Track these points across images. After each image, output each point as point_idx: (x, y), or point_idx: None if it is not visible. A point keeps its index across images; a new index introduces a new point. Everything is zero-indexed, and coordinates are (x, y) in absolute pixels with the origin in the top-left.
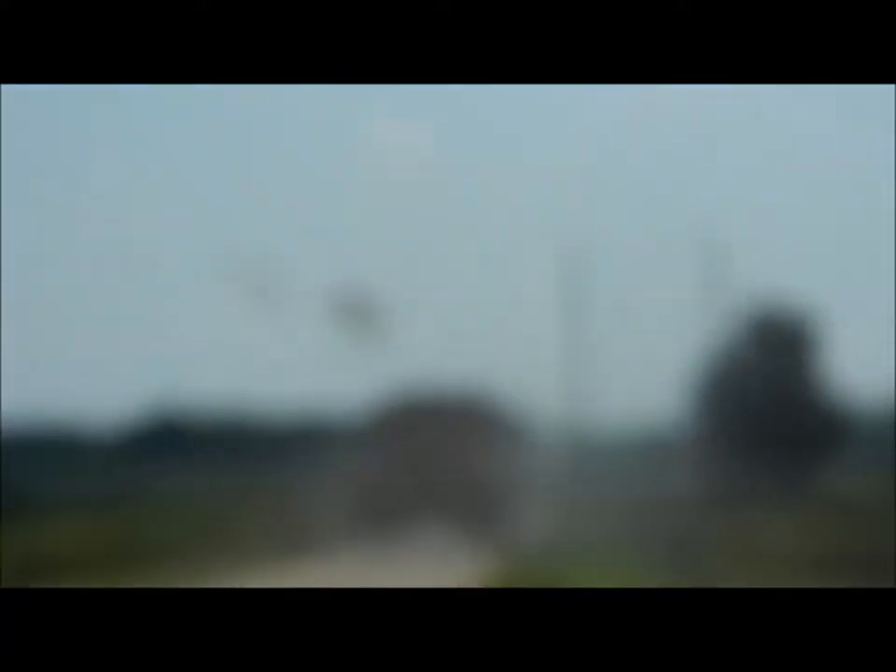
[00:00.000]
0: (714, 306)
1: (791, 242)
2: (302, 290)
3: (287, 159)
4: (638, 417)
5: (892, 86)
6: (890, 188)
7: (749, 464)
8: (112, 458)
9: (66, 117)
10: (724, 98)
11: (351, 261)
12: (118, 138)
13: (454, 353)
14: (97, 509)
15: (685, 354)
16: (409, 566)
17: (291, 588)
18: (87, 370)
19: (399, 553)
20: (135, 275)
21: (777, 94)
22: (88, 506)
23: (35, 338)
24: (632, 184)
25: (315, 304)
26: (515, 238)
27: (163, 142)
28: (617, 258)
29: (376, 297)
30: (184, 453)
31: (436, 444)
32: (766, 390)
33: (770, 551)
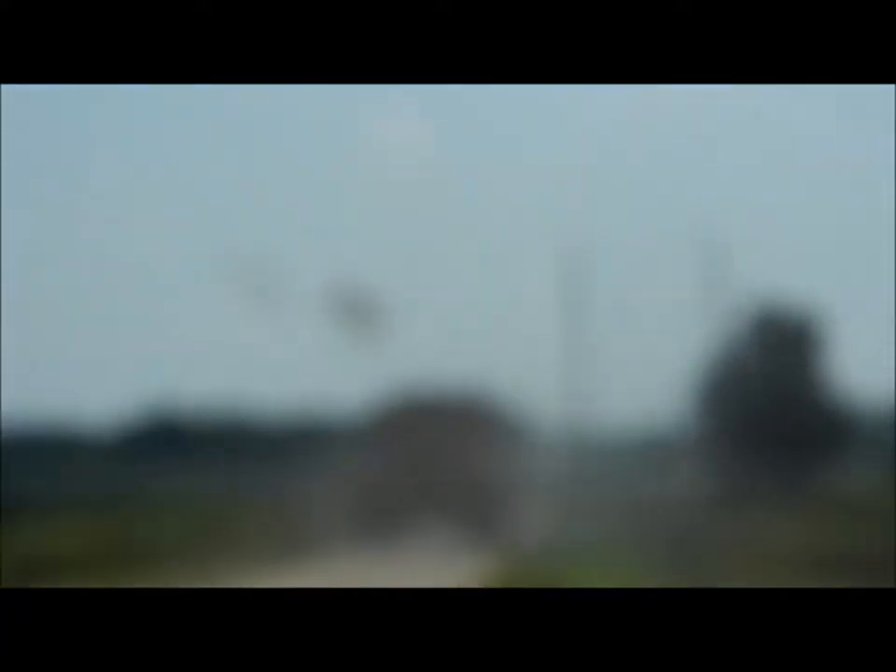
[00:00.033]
0: (715, 306)
1: (792, 241)
2: (302, 290)
3: (286, 158)
4: (639, 417)
5: (892, 86)
6: (890, 187)
7: (751, 464)
8: (111, 458)
9: (66, 117)
10: (724, 98)
11: (351, 261)
12: (118, 138)
13: (454, 353)
14: (96, 509)
15: (686, 354)
16: (409, 566)
17: (291, 588)
18: (86, 370)
19: (398, 554)
20: (134, 275)
21: (777, 94)
22: (87, 506)
23: (34, 338)
24: (632, 184)
25: (314, 304)
26: (515, 238)
27: (163, 142)
28: (617, 258)
29: (376, 296)
30: (183, 453)
31: (436, 444)
32: (767, 390)
33: (771, 551)
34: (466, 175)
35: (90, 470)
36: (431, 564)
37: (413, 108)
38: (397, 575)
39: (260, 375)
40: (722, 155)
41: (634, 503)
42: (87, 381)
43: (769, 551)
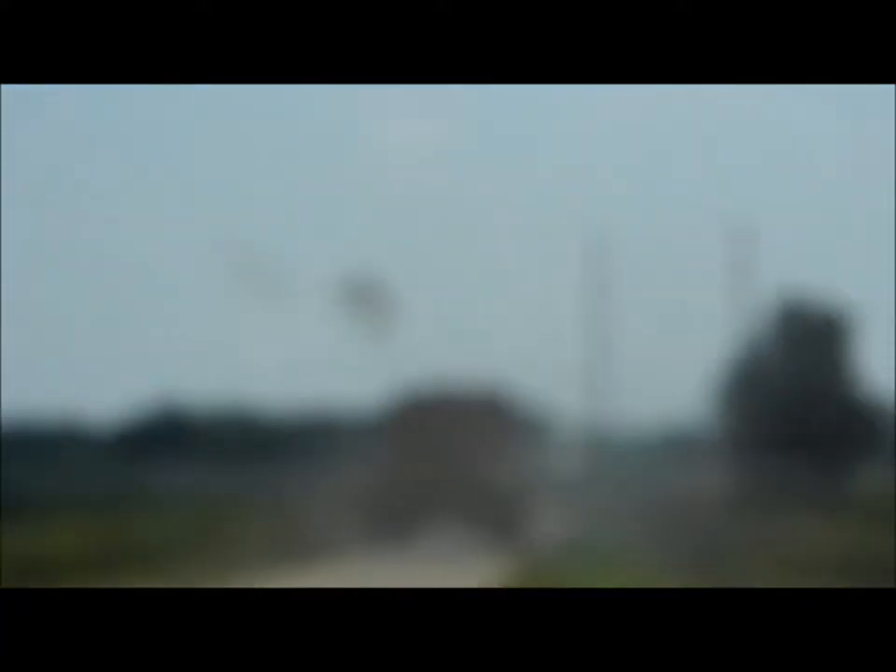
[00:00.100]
0: (741, 302)
1: (808, 239)
2: (312, 284)
3: (295, 156)
4: (662, 415)
5: (892, 86)
6: (891, 188)
7: (776, 464)
8: (115, 457)
9: (66, 117)
10: (750, 95)
11: (364, 256)
12: (118, 138)
13: (470, 349)
14: (98, 508)
15: (710, 350)
16: (423, 569)
17: (299, 588)
18: (90, 367)
19: (412, 556)
20: (140, 272)
21: (777, 94)
22: (88, 505)
23: (35, 336)
24: (653, 181)
25: (325, 298)
26: (537, 234)
27: (169, 141)
28: (639, 254)
29: (390, 289)
30: (188, 451)
31: (451, 442)
32: (793, 387)
33: (796, 554)
34: (487, 170)
35: (92, 469)
36: (446, 567)
37: (427, 106)
38: (410, 578)
39: (268, 371)
40: (745, 153)
41: (655, 503)
42: (91, 379)
43: (794, 553)
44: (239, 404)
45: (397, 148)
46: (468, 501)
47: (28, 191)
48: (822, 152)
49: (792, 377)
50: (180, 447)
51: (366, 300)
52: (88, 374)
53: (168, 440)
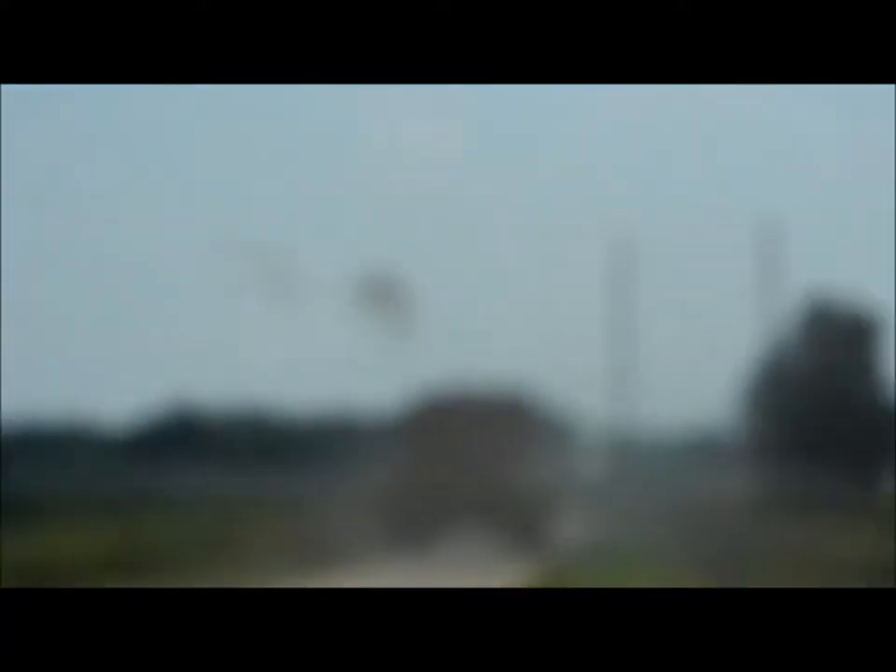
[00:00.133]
0: (768, 304)
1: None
2: (330, 285)
3: (298, 156)
4: (688, 417)
5: (892, 86)
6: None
7: (803, 466)
8: (128, 459)
9: (66, 117)
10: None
11: (381, 256)
12: (119, 138)
13: (494, 350)
14: (109, 510)
15: (737, 353)
16: (444, 574)
17: (311, 588)
18: (102, 368)
19: (433, 561)
20: (139, 272)
21: (777, 94)
22: (99, 508)
23: (39, 338)
24: (654, 181)
25: (344, 296)
26: (562, 235)
27: (167, 140)
28: (665, 255)
29: (410, 288)
30: (202, 454)
31: (473, 445)
32: (821, 389)
33: (820, 557)
34: (510, 171)
35: (105, 471)
36: (467, 571)
37: (427, 106)
38: (430, 583)
39: (284, 372)
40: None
41: (680, 506)
42: (101, 380)
43: (818, 557)
44: (253, 406)
45: (396, 148)
46: (489, 505)
47: (28, 191)
48: (822, 152)
49: (819, 379)
50: (193, 449)
51: (384, 298)
52: (98, 376)
53: (181, 441)
